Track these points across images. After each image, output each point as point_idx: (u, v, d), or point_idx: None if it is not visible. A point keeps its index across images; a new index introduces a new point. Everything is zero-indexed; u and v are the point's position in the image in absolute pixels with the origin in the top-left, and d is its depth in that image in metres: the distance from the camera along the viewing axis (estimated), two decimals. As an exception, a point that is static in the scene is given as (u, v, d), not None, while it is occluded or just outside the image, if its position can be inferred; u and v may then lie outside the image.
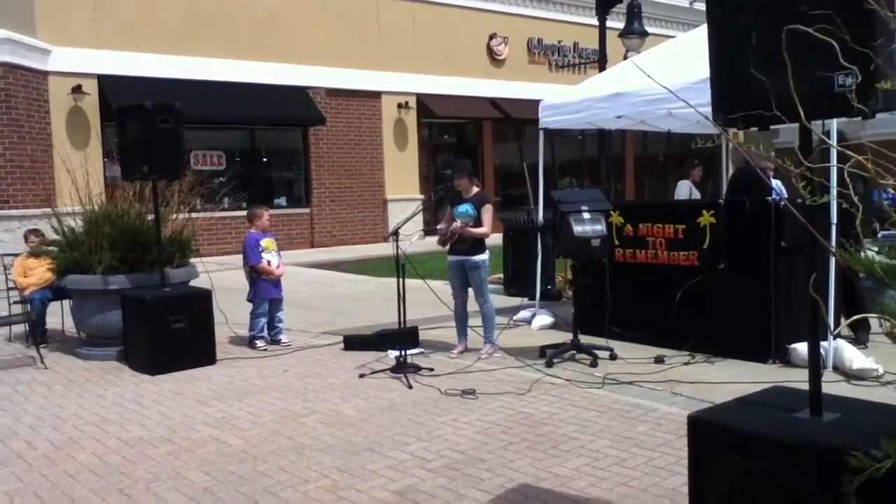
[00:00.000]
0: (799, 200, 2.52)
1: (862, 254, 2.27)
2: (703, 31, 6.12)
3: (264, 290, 7.41)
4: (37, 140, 13.64)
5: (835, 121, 5.46)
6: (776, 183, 6.73)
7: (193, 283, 7.41)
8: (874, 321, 6.37)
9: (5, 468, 4.40)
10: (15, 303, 7.91)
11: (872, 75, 2.30)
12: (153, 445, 4.70)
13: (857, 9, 2.28)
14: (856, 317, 2.76)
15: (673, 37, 18.80)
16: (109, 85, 14.24)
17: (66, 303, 7.75)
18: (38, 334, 7.44)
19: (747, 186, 6.80)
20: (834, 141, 4.88)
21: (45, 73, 13.95)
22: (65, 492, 4.02)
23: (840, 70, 2.36)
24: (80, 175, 7.40)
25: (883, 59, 2.31)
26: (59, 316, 8.05)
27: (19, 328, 7.90)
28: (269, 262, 7.45)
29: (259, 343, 7.36)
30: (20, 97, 13.32)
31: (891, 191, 6.96)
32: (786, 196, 6.36)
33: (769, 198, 6.18)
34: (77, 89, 14.12)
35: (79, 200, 7.45)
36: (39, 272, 7.69)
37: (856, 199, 2.25)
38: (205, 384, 6.13)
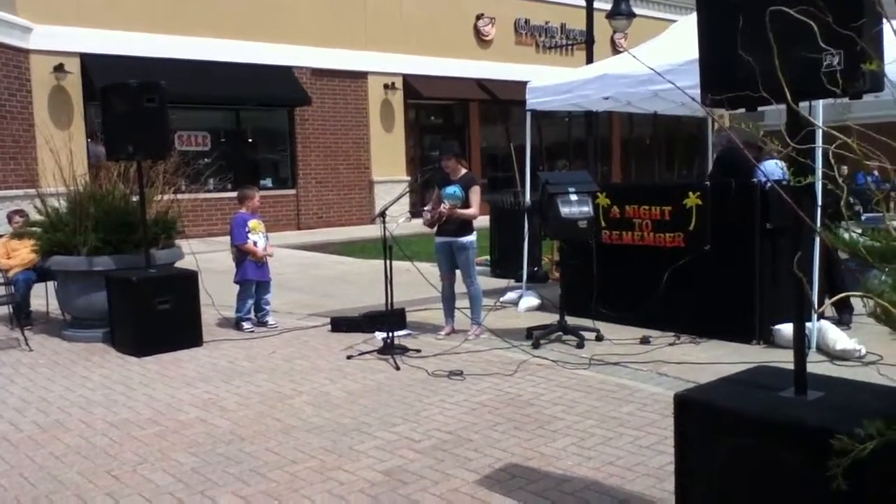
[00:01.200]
0: (785, 181, 2.54)
1: (846, 235, 2.29)
2: (690, 20, 6.14)
3: (250, 272, 7.38)
4: (18, 120, 13.48)
5: (821, 102, 5.47)
6: (777, 164, 6.71)
7: (179, 264, 7.37)
8: (857, 302, 6.45)
9: (-9, 450, 4.38)
10: (-2, 284, 7.85)
11: (859, 56, 2.31)
12: (140, 427, 4.70)
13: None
14: (839, 296, 2.77)
15: (659, 19, 18.82)
16: (92, 63, 14.08)
17: (51, 284, 7.69)
18: (22, 316, 7.40)
19: (732, 167, 6.82)
20: (820, 122, 4.90)
21: (27, 52, 13.77)
22: (51, 473, 4.01)
23: (827, 51, 2.37)
24: (64, 155, 7.32)
25: (869, 41, 2.31)
26: (43, 297, 8.00)
27: (3, 310, 7.83)
28: (254, 244, 7.41)
29: (246, 325, 7.34)
30: (0, 76, 13.13)
31: (875, 173, 7.00)
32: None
33: (755, 179, 6.21)
34: (59, 68, 13.95)
35: (62, 181, 7.37)
36: (23, 253, 7.63)
37: (840, 180, 2.26)
38: (191, 366, 6.12)
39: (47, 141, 7.91)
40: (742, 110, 2.84)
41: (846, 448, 2.02)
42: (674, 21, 12.08)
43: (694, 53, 3.04)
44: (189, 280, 6.81)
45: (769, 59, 2.36)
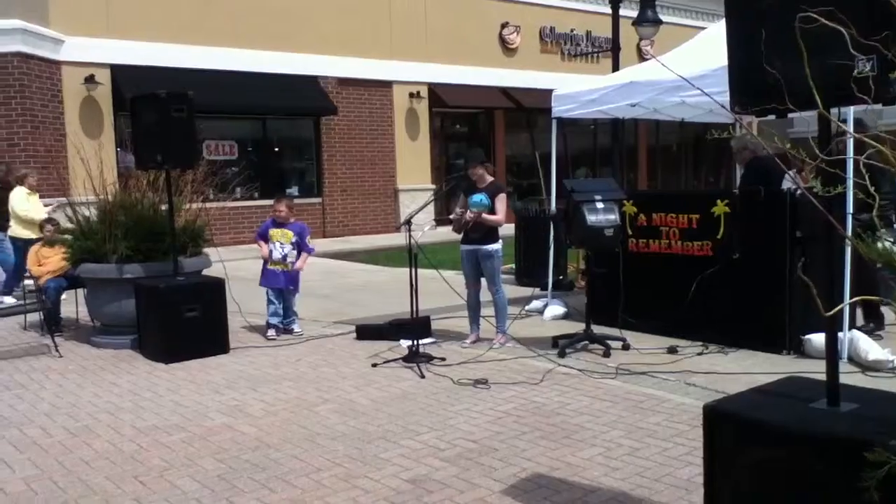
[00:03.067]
0: (815, 189, 2.50)
1: (879, 244, 2.25)
2: (720, 27, 6.09)
3: (268, 278, 7.44)
4: (51, 130, 13.71)
5: (851, 109, 5.40)
6: None
7: (206, 272, 7.43)
8: (889, 312, 6.33)
9: (22, 454, 4.44)
10: (30, 291, 7.96)
11: (890, 63, 2.27)
12: (167, 433, 4.73)
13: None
14: (861, 297, 2.71)
15: (687, 26, 18.69)
16: (122, 74, 14.28)
17: (81, 291, 7.80)
18: (52, 323, 7.50)
19: (762, 175, 6.74)
20: (851, 129, 4.83)
21: (59, 63, 14.01)
22: (80, 478, 4.06)
23: (860, 57, 2.33)
24: (94, 164, 7.42)
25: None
26: (73, 304, 8.11)
27: (34, 316, 7.96)
28: (270, 250, 7.45)
29: (269, 332, 7.37)
30: (34, 87, 13.37)
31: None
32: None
33: (784, 187, 6.13)
34: (90, 79, 14.17)
35: (93, 189, 7.48)
36: (54, 261, 7.73)
37: (872, 189, 2.22)
38: (218, 373, 6.16)
39: (78, 150, 8.03)
40: (772, 117, 2.80)
41: (880, 460, 1.97)
42: (701, 28, 11.99)
43: (722, 60, 3.02)
44: (216, 288, 6.87)
45: (799, 65, 2.33)
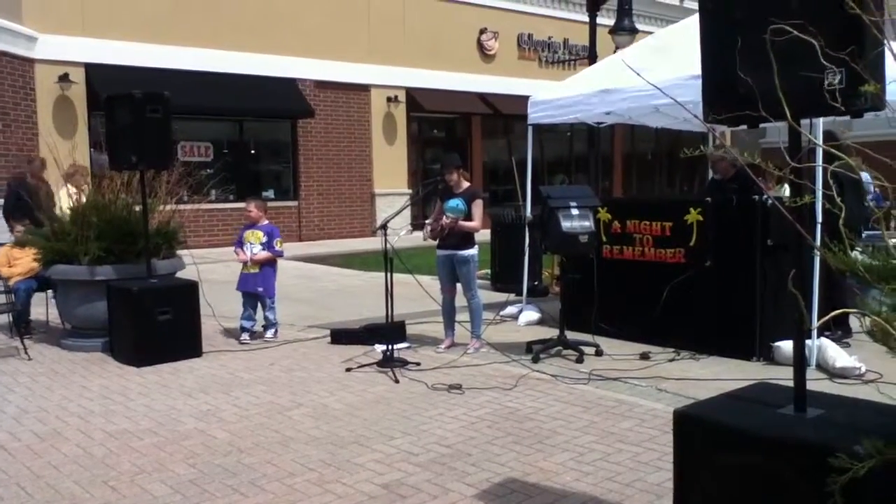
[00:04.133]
0: (785, 199, 2.55)
1: (844, 253, 2.29)
2: (691, 22, 6.13)
3: (240, 281, 7.41)
4: (23, 128, 13.52)
5: (821, 120, 5.50)
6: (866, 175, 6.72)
7: (180, 274, 7.37)
8: (855, 320, 6.44)
9: (-12, 459, 4.37)
10: (-1, 293, 7.84)
11: (859, 75, 2.32)
12: (138, 437, 4.69)
13: (844, 10, 2.30)
14: (834, 313, 2.75)
15: (663, 34, 18.85)
16: (97, 73, 14.14)
17: (51, 293, 7.69)
18: (22, 325, 7.39)
19: (737, 185, 6.84)
20: (820, 140, 4.91)
21: (32, 61, 13.83)
22: (49, 483, 4.01)
23: (829, 69, 2.38)
24: (67, 164, 7.34)
25: (870, 61, 2.33)
26: (43, 306, 8.00)
27: (3, 318, 7.83)
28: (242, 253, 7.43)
29: (242, 336, 7.30)
30: (6, 85, 13.19)
31: (876, 190, 7.00)
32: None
33: (755, 196, 6.22)
34: (64, 77, 14.00)
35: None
36: (25, 262, 7.63)
37: (838, 199, 2.27)
38: (190, 376, 6.11)
39: (51, 150, 7.94)
40: (744, 126, 2.85)
41: (844, 466, 2.02)
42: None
43: (695, 69, 3.06)
44: (190, 291, 6.81)
45: (771, 76, 2.38)
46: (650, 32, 20.60)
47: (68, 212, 7.81)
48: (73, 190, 8.44)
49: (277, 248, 7.49)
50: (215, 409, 5.22)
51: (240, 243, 7.48)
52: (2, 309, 7.30)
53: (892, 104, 2.39)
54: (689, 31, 5.16)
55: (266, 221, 7.61)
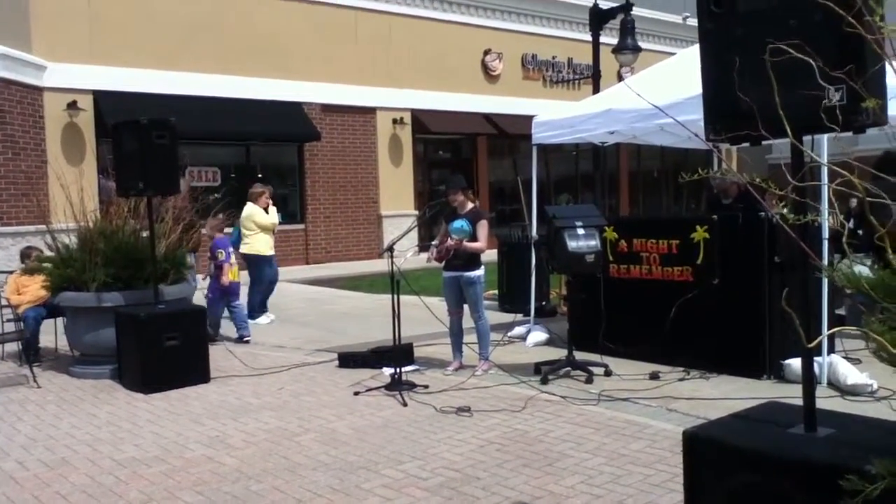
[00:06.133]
0: (789, 217, 2.54)
1: (850, 270, 2.28)
2: (693, 51, 6.18)
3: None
4: (31, 156, 13.63)
5: (825, 137, 5.48)
6: None
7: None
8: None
9: (-3, 488, 4.36)
10: (8, 321, 7.86)
11: (859, 92, 2.32)
12: (146, 465, 4.67)
13: (843, 28, 2.30)
14: (832, 330, 2.73)
15: (666, 52, 18.96)
16: (105, 101, 14.26)
17: (60, 320, 7.71)
18: (31, 352, 7.41)
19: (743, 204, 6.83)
20: (825, 156, 4.91)
21: (41, 89, 13.96)
22: (56, 512, 3.99)
23: (830, 86, 2.38)
24: (75, 191, 7.39)
25: (871, 77, 2.33)
26: (52, 334, 8.02)
27: (12, 346, 7.86)
28: None
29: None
30: (15, 113, 13.32)
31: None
32: None
33: (762, 213, 6.20)
34: (72, 105, 14.13)
35: (73, 217, 7.43)
36: (33, 289, 7.66)
37: (841, 217, 2.26)
38: (198, 403, 6.10)
39: (59, 177, 7.99)
40: (746, 144, 2.85)
41: (856, 489, 1.99)
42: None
43: (697, 88, 3.07)
44: (197, 316, 6.83)
45: (770, 94, 2.38)
46: (653, 51, 20.73)
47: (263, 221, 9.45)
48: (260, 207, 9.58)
49: (220, 258, 8.60)
50: (223, 436, 5.20)
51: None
52: (11, 337, 7.33)
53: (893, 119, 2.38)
54: (694, 55, 5.20)
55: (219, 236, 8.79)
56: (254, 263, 9.61)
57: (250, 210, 9.74)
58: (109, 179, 9.62)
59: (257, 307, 9.68)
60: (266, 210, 9.85)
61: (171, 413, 5.81)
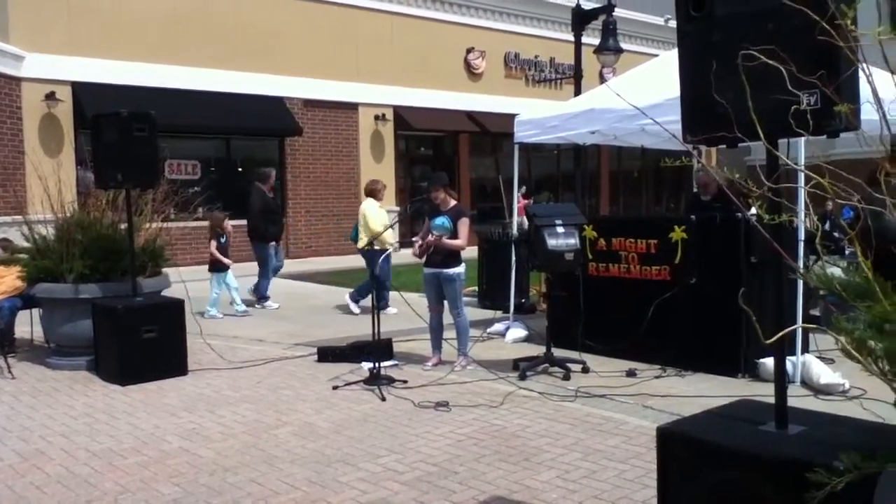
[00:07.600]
0: (766, 217, 2.58)
1: (822, 271, 2.33)
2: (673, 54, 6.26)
3: None
4: (8, 147, 13.47)
5: (801, 140, 5.56)
6: None
7: (166, 292, 7.35)
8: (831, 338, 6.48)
9: (-30, 479, 4.33)
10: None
11: (832, 97, 2.36)
12: (122, 457, 4.66)
13: (818, 33, 2.35)
14: (787, 329, 2.77)
15: (647, 54, 19.09)
16: (84, 92, 14.12)
17: (36, 311, 7.65)
18: (6, 343, 7.33)
19: (720, 204, 6.91)
20: (802, 159, 4.98)
21: (18, 80, 13.80)
22: (30, 503, 3.97)
23: (805, 90, 2.43)
24: (53, 182, 7.32)
25: (844, 82, 2.38)
26: (28, 325, 7.95)
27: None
28: None
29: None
30: (-8, 103, 13.16)
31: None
32: None
33: (738, 213, 6.28)
34: (51, 96, 13.97)
35: (51, 208, 7.36)
36: (9, 280, 7.57)
37: (815, 218, 2.30)
38: (175, 395, 6.08)
39: (36, 168, 7.91)
40: (723, 146, 2.89)
41: (822, 481, 2.04)
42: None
43: (677, 90, 3.11)
44: (175, 308, 6.79)
45: (745, 97, 2.42)
46: (635, 52, 20.85)
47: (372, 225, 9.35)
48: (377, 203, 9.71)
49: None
50: (200, 428, 5.19)
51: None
52: (-15, 328, 7.24)
53: (866, 123, 2.43)
54: (672, 58, 5.26)
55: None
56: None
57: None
58: (88, 171, 9.56)
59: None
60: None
61: (147, 405, 5.79)
